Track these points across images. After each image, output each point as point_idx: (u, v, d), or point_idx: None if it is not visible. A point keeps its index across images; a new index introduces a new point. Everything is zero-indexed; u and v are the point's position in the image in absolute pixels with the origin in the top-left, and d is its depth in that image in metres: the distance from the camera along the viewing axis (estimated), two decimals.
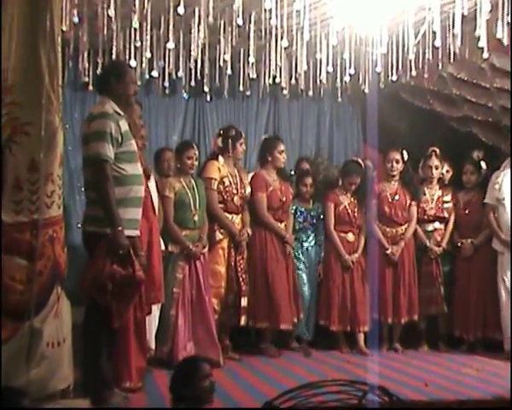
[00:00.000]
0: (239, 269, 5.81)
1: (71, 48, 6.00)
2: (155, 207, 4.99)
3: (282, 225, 6.17)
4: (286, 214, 6.22)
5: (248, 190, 6.01)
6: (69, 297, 3.91)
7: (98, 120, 4.00)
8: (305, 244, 6.39)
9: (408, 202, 6.44)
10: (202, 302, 5.49)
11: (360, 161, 6.53)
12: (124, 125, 4.08)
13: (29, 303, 3.57)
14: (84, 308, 4.13)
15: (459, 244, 6.41)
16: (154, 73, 6.47)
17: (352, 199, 6.41)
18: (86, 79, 6.40)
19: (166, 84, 6.74)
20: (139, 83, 6.43)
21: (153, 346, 5.14)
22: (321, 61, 6.02)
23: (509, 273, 5.94)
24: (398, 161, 6.41)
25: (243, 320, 5.85)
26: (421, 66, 6.24)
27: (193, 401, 3.27)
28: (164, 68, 6.44)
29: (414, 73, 6.32)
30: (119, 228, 3.89)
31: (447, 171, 6.66)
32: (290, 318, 6.04)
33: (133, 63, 5.90)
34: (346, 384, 2.88)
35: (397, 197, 6.43)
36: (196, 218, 5.57)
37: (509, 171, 6.01)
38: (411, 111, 7.29)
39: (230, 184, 5.86)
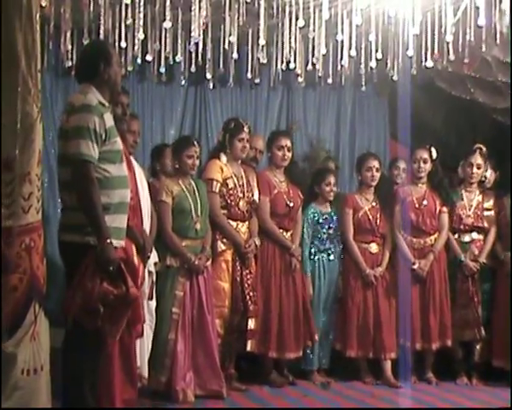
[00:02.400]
0: (246, 285, 5.77)
1: (51, 26, 5.99)
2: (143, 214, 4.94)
3: (288, 234, 6.14)
4: (293, 222, 6.19)
5: (256, 193, 5.99)
6: (48, 317, 3.88)
7: (80, 113, 3.95)
8: (333, 256, 6.36)
9: (438, 208, 6.41)
10: (205, 325, 5.47)
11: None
12: (109, 120, 4.03)
13: (0, 324, 3.55)
14: (64, 330, 4.11)
15: (502, 258, 6.37)
16: (149, 57, 6.46)
17: (374, 204, 6.38)
18: (69, 64, 6.39)
19: (162, 69, 6.73)
20: (130, 68, 6.46)
21: (145, 374, 5.12)
22: (342, 43, 6.00)
23: None
24: (425, 161, 6.39)
25: (250, 345, 5.83)
26: (460, 49, 6.20)
27: None
28: (160, 51, 6.43)
29: (452, 57, 6.28)
30: (108, 240, 3.86)
31: (491, 173, 6.62)
32: (298, 344, 6.02)
33: (124, 45, 5.89)
34: None
35: (425, 202, 6.40)
36: (198, 226, 5.55)
37: None
38: (448, 102, 7.28)
39: (235, 186, 5.84)
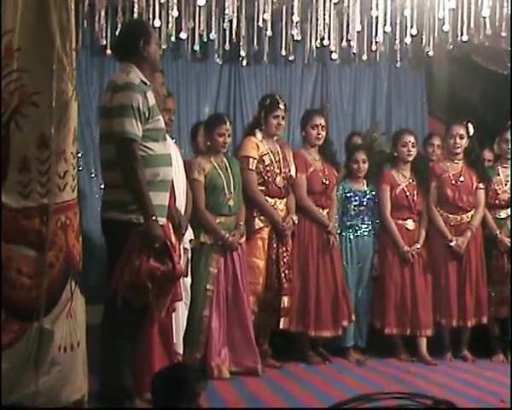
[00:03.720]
0: (281, 263, 5.77)
1: (85, 5, 6.01)
2: (179, 192, 4.95)
3: (325, 212, 6.12)
4: (329, 200, 6.16)
5: (293, 169, 5.96)
6: (84, 294, 3.91)
7: (124, 91, 3.98)
8: (360, 232, 6.31)
9: (475, 184, 6.35)
10: (240, 301, 5.49)
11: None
12: (151, 98, 4.07)
13: (38, 301, 3.57)
14: (100, 307, 4.14)
15: None
16: (183, 35, 6.45)
17: (411, 180, 6.33)
18: (104, 42, 6.41)
19: (196, 47, 6.73)
20: (165, 46, 6.45)
21: (180, 351, 5.14)
22: (377, 19, 5.94)
23: None
24: (462, 137, 6.32)
25: (283, 323, 5.82)
26: (497, 23, 6.10)
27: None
28: (194, 29, 6.42)
29: (489, 31, 6.19)
30: (154, 217, 3.89)
31: None
32: (336, 323, 6.00)
33: (158, 23, 5.89)
34: (406, 398, 2.85)
35: (461, 179, 6.33)
36: (231, 203, 5.55)
37: None
38: (485, 77, 7.18)
39: (272, 162, 5.81)
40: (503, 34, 6.27)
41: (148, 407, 4.23)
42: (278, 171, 5.83)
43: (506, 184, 6.38)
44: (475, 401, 4.78)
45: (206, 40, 6.63)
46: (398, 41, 6.59)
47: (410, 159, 6.32)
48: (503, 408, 4.44)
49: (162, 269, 3.92)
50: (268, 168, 5.79)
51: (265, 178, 5.78)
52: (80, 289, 3.82)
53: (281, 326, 5.82)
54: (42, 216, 3.61)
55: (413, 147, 6.31)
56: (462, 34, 6.17)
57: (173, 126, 5.75)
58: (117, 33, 5.96)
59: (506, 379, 5.54)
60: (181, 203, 5.02)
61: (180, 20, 6.26)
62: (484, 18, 5.98)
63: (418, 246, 6.26)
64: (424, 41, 6.59)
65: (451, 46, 6.64)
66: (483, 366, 6.06)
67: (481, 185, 6.35)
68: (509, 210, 6.37)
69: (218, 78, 7.54)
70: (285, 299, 5.79)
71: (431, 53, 6.73)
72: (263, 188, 5.78)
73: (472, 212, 6.31)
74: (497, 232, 6.31)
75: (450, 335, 6.33)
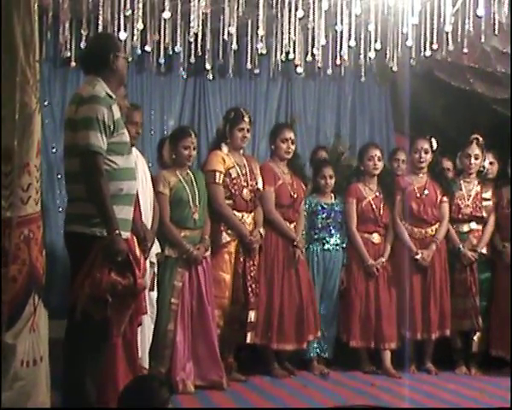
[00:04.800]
0: (248, 277, 5.77)
1: (49, 17, 5.96)
2: (146, 205, 4.94)
3: (292, 225, 6.13)
4: (297, 214, 6.18)
5: (260, 182, 5.97)
6: (47, 308, 3.87)
7: (89, 104, 3.95)
8: (328, 246, 6.34)
9: (439, 197, 6.41)
10: (204, 315, 5.47)
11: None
12: (116, 111, 4.05)
13: (0, 316, 3.54)
14: (63, 322, 4.10)
15: (500, 249, 6.37)
16: (148, 48, 6.43)
17: (378, 194, 6.37)
18: (68, 54, 6.36)
19: (162, 60, 6.70)
20: (130, 59, 6.41)
21: (146, 365, 5.12)
22: (342, 33, 5.97)
23: None
24: (426, 151, 6.39)
25: (250, 337, 5.82)
26: (459, 39, 6.18)
27: None
28: (159, 42, 6.41)
29: (451, 47, 6.26)
30: (117, 231, 3.87)
31: (491, 163, 6.60)
32: (300, 336, 6.01)
33: (123, 35, 5.86)
34: None
35: (426, 192, 6.40)
36: (197, 216, 5.55)
37: None
38: (448, 92, 7.25)
39: (238, 175, 5.82)
40: (465, 50, 6.35)
41: None
42: (245, 184, 5.83)
43: (468, 199, 6.43)
44: None
45: (171, 53, 6.61)
46: (362, 56, 6.63)
47: (376, 172, 6.37)
48: (504, 408, 4.46)
49: (123, 283, 3.89)
50: (235, 181, 5.79)
51: (232, 191, 5.78)
52: (43, 304, 3.79)
53: (248, 341, 5.81)
54: (5, 229, 3.58)
55: (379, 161, 6.36)
56: (425, 50, 6.23)
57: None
58: (82, 45, 5.95)
59: (468, 391, 5.61)
60: (147, 217, 5.00)
61: (145, 32, 6.24)
62: (446, 34, 6.04)
63: (383, 260, 6.30)
64: (388, 56, 6.65)
65: (414, 62, 6.71)
66: (446, 379, 6.10)
67: (445, 199, 6.41)
68: (471, 224, 6.43)
69: (183, 91, 7.52)
70: (252, 314, 5.79)
71: (395, 68, 6.78)
72: (230, 202, 5.78)
73: (436, 225, 6.37)
74: (460, 246, 6.36)
75: (414, 347, 6.36)
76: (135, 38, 6.11)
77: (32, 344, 3.68)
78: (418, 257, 6.26)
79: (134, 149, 4.76)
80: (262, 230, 5.89)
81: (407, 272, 6.30)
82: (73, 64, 6.30)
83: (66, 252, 4.24)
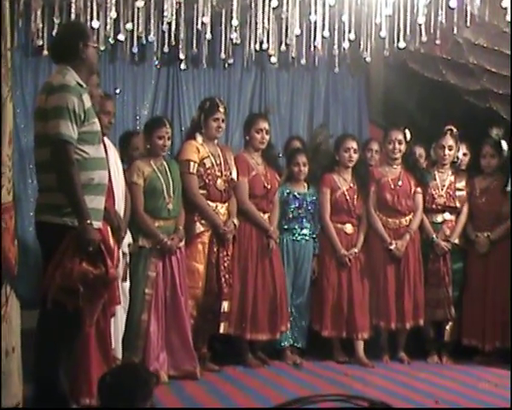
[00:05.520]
0: (222, 268, 5.78)
1: (21, 4, 5.91)
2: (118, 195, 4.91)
3: (266, 216, 6.14)
4: (271, 204, 6.19)
5: (235, 172, 5.96)
6: (19, 299, 3.85)
7: (59, 93, 3.93)
8: (298, 236, 6.35)
9: (413, 188, 6.45)
10: (178, 305, 5.47)
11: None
12: (87, 101, 4.03)
13: None
14: (35, 312, 4.07)
15: (473, 238, 6.42)
16: (121, 37, 6.40)
17: (352, 184, 6.39)
18: (40, 43, 6.30)
19: (135, 49, 6.67)
20: (103, 48, 6.38)
21: (119, 356, 5.10)
22: (315, 24, 5.97)
23: None
24: (400, 142, 6.40)
25: (223, 328, 5.84)
26: (432, 30, 6.21)
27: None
28: (132, 31, 6.37)
29: (424, 38, 6.29)
30: (88, 221, 3.85)
31: (464, 154, 6.66)
32: (273, 326, 6.03)
33: (96, 24, 5.83)
34: (343, 400, 2.86)
35: (400, 183, 6.43)
36: (171, 206, 5.54)
37: None
38: (421, 83, 7.28)
39: (213, 165, 5.81)
40: (438, 42, 6.38)
41: None
42: (219, 174, 5.83)
43: (442, 189, 6.47)
44: (410, 402, 4.87)
45: (144, 42, 6.57)
46: (336, 46, 6.63)
47: (351, 164, 6.38)
48: (504, 408, 4.49)
49: (95, 273, 3.88)
50: (209, 171, 5.78)
51: (206, 181, 5.77)
52: (15, 294, 3.77)
53: (221, 331, 5.84)
54: None
55: (355, 153, 6.37)
56: (398, 41, 6.25)
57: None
58: (54, 34, 5.89)
59: (440, 380, 5.67)
60: (120, 206, 4.97)
61: (118, 21, 6.20)
62: (419, 25, 6.08)
63: (356, 250, 6.33)
64: (362, 47, 6.66)
65: (388, 52, 6.74)
66: (418, 368, 6.15)
67: (419, 189, 6.44)
68: (445, 214, 6.48)
69: (157, 80, 7.45)
70: (225, 304, 5.81)
71: (368, 59, 6.81)
72: (204, 192, 5.77)
73: (410, 216, 6.41)
74: (434, 236, 6.40)
75: (388, 337, 6.41)
76: (108, 26, 6.07)
77: (3, 335, 3.66)
78: (392, 247, 6.29)
79: (106, 138, 4.74)
80: (236, 220, 5.89)
81: (381, 263, 6.35)
82: (45, 52, 6.22)
83: (37, 242, 4.23)
